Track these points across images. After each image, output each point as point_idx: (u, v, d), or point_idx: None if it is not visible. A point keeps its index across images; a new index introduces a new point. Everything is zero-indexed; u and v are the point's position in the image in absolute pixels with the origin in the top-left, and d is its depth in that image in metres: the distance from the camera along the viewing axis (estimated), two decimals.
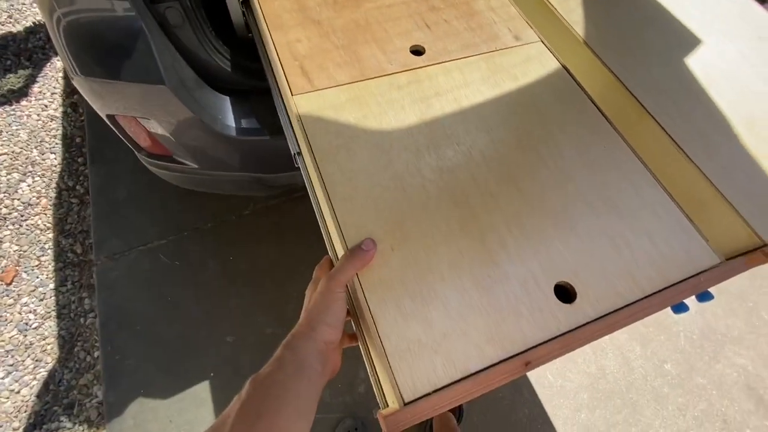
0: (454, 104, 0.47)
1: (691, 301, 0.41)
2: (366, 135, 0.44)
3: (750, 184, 0.45)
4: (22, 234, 1.33)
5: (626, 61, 0.54)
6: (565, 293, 0.37)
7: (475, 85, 0.49)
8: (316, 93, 0.46)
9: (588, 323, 0.35)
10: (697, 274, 0.38)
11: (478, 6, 0.57)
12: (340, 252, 0.37)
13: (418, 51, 0.52)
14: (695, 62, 0.55)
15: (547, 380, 1.18)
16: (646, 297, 0.36)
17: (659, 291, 0.36)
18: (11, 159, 1.45)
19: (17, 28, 1.76)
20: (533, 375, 1.19)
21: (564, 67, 0.52)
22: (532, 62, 0.52)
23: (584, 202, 0.41)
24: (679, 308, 0.42)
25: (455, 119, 0.46)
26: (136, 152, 0.76)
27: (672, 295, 0.37)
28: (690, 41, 0.57)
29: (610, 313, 0.35)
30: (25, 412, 1.07)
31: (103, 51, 0.55)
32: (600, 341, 1.26)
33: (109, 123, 0.66)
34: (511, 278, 0.36)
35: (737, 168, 0.46)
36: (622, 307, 0.36)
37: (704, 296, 0.41)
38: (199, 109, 0.60)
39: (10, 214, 1.35)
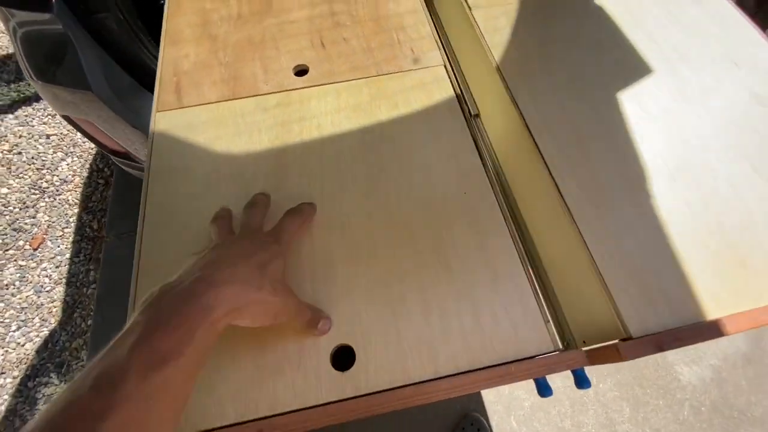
0: (315, 131, 0.44)
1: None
2: (210, 158, 0.43)
3: (640, 264, 0.36)
4: (54, 207, 1.52)
5: (540, 91, 0.46)
6: (343, 358, 0.33)
7: (346, 111, 0.45)
8: (180, 111, 0.46)
9: (355, 397, 0.31)
10: (510, 362, 0.31)
11: (389, 23, 0.53)
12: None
13: (302, 71, 0.49)
14: (630, 96, 0.45)
15: (510, 426, 1.08)
16: (437, 378, 0.31)
17: (453, 375, 0.31)
18: (58, 139, 1.66)
19: None
20: (495, 417, 1.09)
21: (460, 96, 0.46)
22: (423, 89, 0.47)
23: (412, 253, 0.36)
24: (544, 391, 0.36)
25: (311, 147, 0.43)
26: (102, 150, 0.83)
27: (471, 382, 0.31)
28: (635, 69, 0.48)
29: (385, 390, 0.31)
30: (25, 364, 1.22)
31: (42, 58, 0.61)
32: (584, 394, 1.13)
33: (67, 123, 0.73)
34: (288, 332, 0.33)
35: (632, 240, 0.37)
36: (405, 386, 0.31)
37: (544, 389, 0.34)
38: (126, 112, 0.63)
39: (48, 188, 1.55)
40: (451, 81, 0.47)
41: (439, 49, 0.50)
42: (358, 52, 0.50)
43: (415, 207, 0.39)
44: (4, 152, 1.60)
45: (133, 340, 0.24)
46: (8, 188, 1.52)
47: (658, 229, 0.38)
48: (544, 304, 0.34)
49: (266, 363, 0.32)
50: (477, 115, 0.57)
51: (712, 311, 0.34)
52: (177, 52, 0.51)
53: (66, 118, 0.72)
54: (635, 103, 0.45)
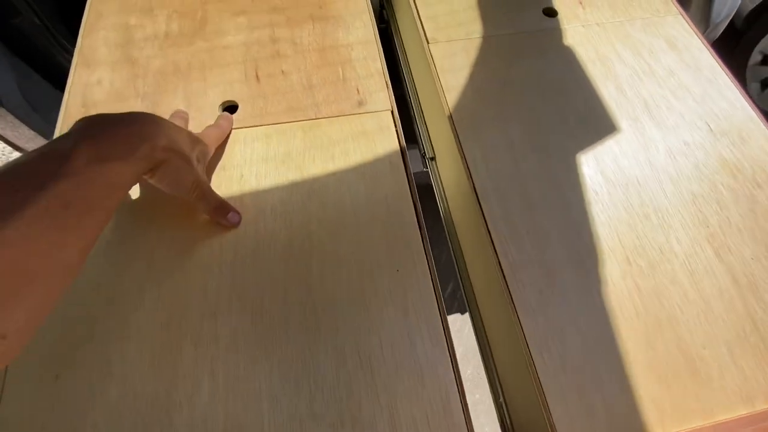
0: (235, 184, 0.39)
1: None
2: (125, 211, 0.37)
3: (582, 365, 0.32)
4: None
5: (493, 145, 0.42)
6: None
7: (275, 162, 0.40)
8: None
9: None
10: None
11: (335, 56, 0.47)
12: None
13: (231, 108, 0.44)
14: (590, 158, 0.41)
15: None
16: None
17: None
18: None
19: None
20: None
21: (404, 150, 0.41)
22: (365, 138, 0.42)
23: (329, 348, 0.32)
24: None
25: (231, 203, 0.38)
26: None
27: None
28: (599, 125, 0.44)
29: None
30: None
31: None
32: None
33: None
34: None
35: (576, 336, 0.33)
36: None
37: None
38: (47, 126, 0.56)
39: None
40: (396, 130, 0.42)
41: (388, 89, 0.45)
42: (296, 89, 0.44)
43: (340, 285, 0.34)
44: None
45: (76, 138, 0.25)
46: None
47: (604, 321, 0.34)
48: (469, 413, 0.30)
49: None
50: (432, 159, 0.52)
51: (653, 426, 0.30)
52: (89, 76, 0.44)
53: None
54: (595, 166, 0.41)
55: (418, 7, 0.52)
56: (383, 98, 0.44)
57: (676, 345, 0.33)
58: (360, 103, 0.44)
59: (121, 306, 0.33)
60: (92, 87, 0.44)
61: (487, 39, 0.50)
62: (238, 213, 0.36)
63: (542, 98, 0.45)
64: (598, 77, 0.47)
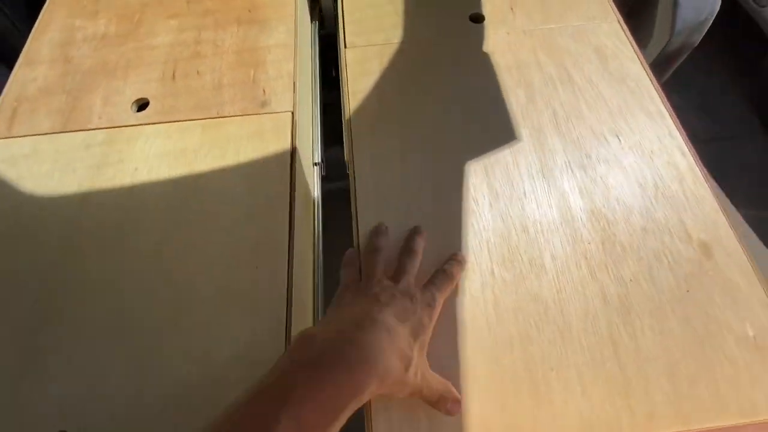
0: (128, 178, 0.41)
1: None
2: (13, 198, 0.40)
3: None
4: None
5: (383, 155, 0.42)
6: None
7: (170, 157, 0.42)
8: (7, 140, 0.44)
9: None
10: None
11: (251, 57, 0.49)
12: None
13: (143, 105, 0.46)
14: (480, 169, 0.40)
15: None
16: None
17: None
18: None
19: None
20: None
21: (294, 150, 0.42)
22: (260, 138, 0.43)
23: (173, 334, 0.33)
24: None
25: (117, 197, 0.40)
26: None
27: None
28: (498, 138, 0.42)
29: None
30: None
31: None
32: None
33: None
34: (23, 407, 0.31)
35: None
36: None
37: None
38: None
39: None
40: (291, 132, 0.43)
41: (294, 91, 0.46)
42: (207, 89, 0.47)
43: (202, 278, 0.36)
44: None
45: (282, 403, 0.23)
46: None
47: (453, 333, 0.33)
48: None
49: None
50: (320, 163, 0.52)
51: None
52: (28, 74, 0.49)
53: None
54: (483, 176, 0.40)
55: (345, 12, 0.53)
56: (287, 99, 0.46)
57: (523, 364, 0.32)
58: (263, 104, 0.45)
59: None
60: (28, 83, 0.48)
61: (404, 44, 0.49)
62: (459, 402, 0.30)
63: (448, 105, 0.45)
64: (510, 85, 0.46)
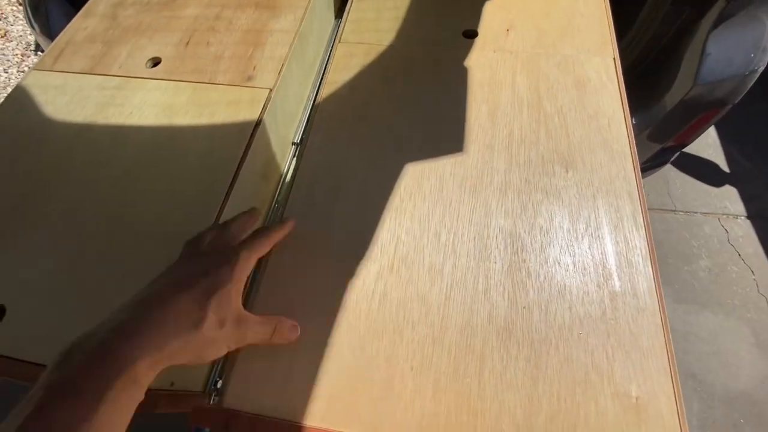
0: (121, 119, 0.48)
1: None
2: (37, 119, 0.49)
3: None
4: None
5: (336, 140, 0.44)
6: None
7: (157, 108, 0.48)
8: (48, 73, 0.53)
9: None
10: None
11: (254, 38, 0.54)
12: None
13: (156, 63, 0.53)
14: (418, 172, 0.41)
15: None
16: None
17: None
18: None
19: None
20: None
21: (258, 123, 0.46)
22: (235, 107, 0.48)
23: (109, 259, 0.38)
24: None
25: (107, 133, 0.47)
26: None
27: None
28: (446, 147, 0.43)
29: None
30: None
31: (32, 8, 0.74)
32: None
33: None
34: None
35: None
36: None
37: None
38: None
39: None
40: (264, 106, 0.47)
41: (279, 73, 0.50)
42: (209, 58, 0.53)
43: (142, 217, 0.41)
44: None
45: (27, 413, 0.21)
46: None
47: (332, 312, 0.35)
48: None
49: None
50: (296, 144, 0.56)
51: (316, 416, 0.31)
52: (82, 23, 0.59)
53: None
54: (419, 178, 0.42)
55: (351, 10, 0.57)
56: (270, 78, 0.50)
57: (385, 356, 0.33)
58: (249, 78, 0.50)
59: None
60: (79, 30, 0.58)
61: (392, 48, 0.52)
62: (294, 325, 0.33)
63: (409, 110, 0.47)
64: (476, 101, 0.46)
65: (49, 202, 0.42)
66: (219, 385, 0.32)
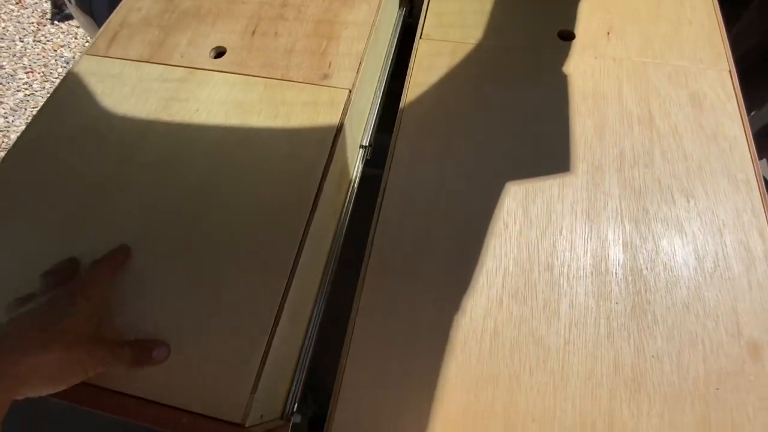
0: (188, 116, 0.44)
1: None
2: (95, 109, 0.45)
3: (384, 382, 0.31)
4: None
5: (425, 155, 0.40)
6: None
7: (228, 106, 0.44)
8: (102, 59, 0.49)
9: None
10: (189, 412, 0.29)
11: (327, 29, 0.49)
12: None
13: (220, 53, 0.49)
14: (520, 192, 0.38)
15: None
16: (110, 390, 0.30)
17: (123, 393, 0.30)
18: None
19: None
20: None
21: (339, 127, 0.42)
22: (312, 108, 0.44)
23: (189, 264, 0.35)
24: None
25: (175, 130, 0.43)
26: None
27: (137, 411, 0.30)
28: (549, 163, 0.39)
29: None
30: None
31: None
32: None
33: None
34: None
35: (404, 348, 0.32)
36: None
37: None
38: None
39: None
40: (344, 109, 0.43)
41: (358, 72, 0.46)
42: (279, 50, 0.48)
43: (221, 222, 0.37)
44: None
45: None
46: None
47: (439, 351, 0.32)
48: (261, 377, 0.31)
49: None
50: (367, 146, 0.52)
51: None
52: (135, 2, 0.54)
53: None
54: (521, 200, 0.38)
55: (430, 3, 0.52)
56: (349, 77, 0.46)
57: (503, 406, 0.30)
58: (325, 76, 0.46)
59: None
60: (133, 11, 0.53)
61: (481, 46, 0.47)
62: (163, 345, 0.32)
63: (505, 119, 0.42)
64: (581, 114, 0.42)
65: (113, 212, 0.39)
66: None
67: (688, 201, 0.37)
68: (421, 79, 0.45)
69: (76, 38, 1.76)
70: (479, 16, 0.50)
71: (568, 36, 0.48)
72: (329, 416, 0.30)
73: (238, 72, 0.47)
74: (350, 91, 0.45)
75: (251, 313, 0.33)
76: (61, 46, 1.74)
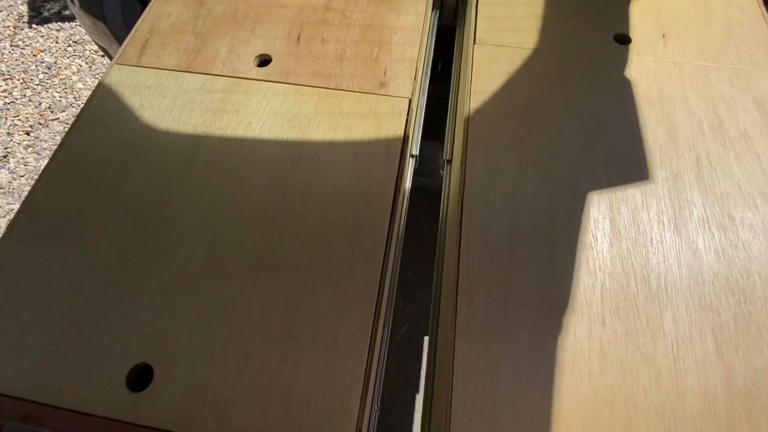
0: (241, 129, 0.41)
1: None
2: (135, 124, 0.41)
3: (502, 412, 0.29)
4: None
5: (499, 160, 0.39)
6: (143, 378, 0.30)
7: (283, 118, 0.41)
8: (135, 68, 0.45)
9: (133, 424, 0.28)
10: None
11: (377, 35, 0.47)
12: None
13: (265, 61, 0.46)
14: (603, 202, 0.37)
15: None
16: None
17: None
18: None
19: None
20: None
21: (406, 138, 0.40)
22: (374, 119, 0.41)
23: (266, 290, 0.33)
24: None
25: (229, 145, 0.40)
26: None
27: None
28: (627, 171, 0.38)
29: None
30: None
31: None
32: None
33: (99, 48, 0.77)
34: (106, 331, 0.32)
35: (510, 378, 0.30)
36: None
37: None
38: None
39: None
40: (406, 119, 0.41)
41: (416, 79, 0.44)
42: (328, 57, 0.46)
43: (295, 244, 0.35)
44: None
45: None
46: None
47: (549, 374, 0.30)
48: (365, 409, 0.29)
49: (82, 352, 0.31)
50: (449, 161, 0.50)
51: None
52: (163, 8, 0.50)
53: (97, 44, 0.76)
54: (606, 211, 0.37)
55: (479, 6, 0.50)
56: (406, 85, 0.44)
57: (623, 428, 0.29)
58: (382, 85, 0.44)
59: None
60: (162, 17, 0.49)
61: (538, 52, 0.46)
62: None
63: (575, 126, 0.41)
64: (651, 119, 0.41)
65: (170, 236, 0.35)
66: None
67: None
68: (481, 86, 0.44)
69: (57, 42, 1.66)
70: (531, 20, 0.49)
71: (624, 40, 0.47)
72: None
73: (288, 81, 0.44)
74: (410, 100, 0.43)
75: (346, 349, 0.31)
76: (41, 51, 1.64)
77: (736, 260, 0.35)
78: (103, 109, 0.43)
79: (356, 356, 0.31)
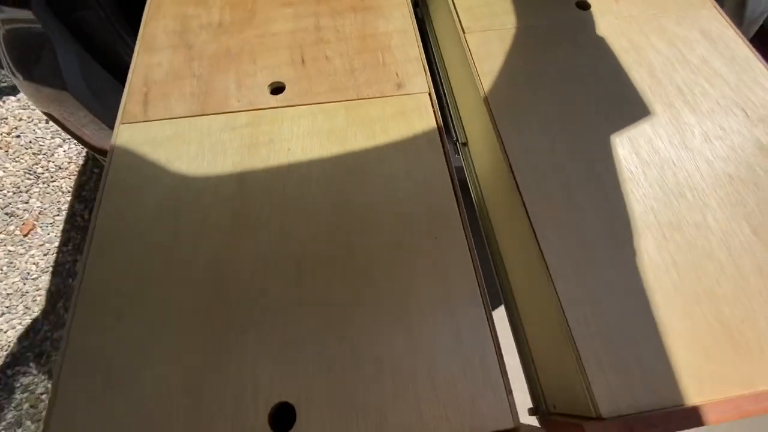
0: (283, 156, 0.41)
1: None
2: (168, 178, 0.40)
3: (619, 333, 0.33)
4: (47, 193, 1.50)
5: (528, 126, 0.43)
6: (283, 417, 0.30)
7: (320, 137, 0.42)
8: (144, 124, 0.43)
9: None
10: None
11: (375, 42, 0.50)
12: None
13: (278, 89, 0.46)
14: (624, 139, 0.42)
15: None
16: None
17: None
18: (56, 126, 1.65)
19: None
20: None
21: (441, 128, 0.43)
22: (404, 117, 0.44)
23: (370, 302, 0.34)
24: None
25: (276, 174, 0.40)
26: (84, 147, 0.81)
27: None
28: (633, 109, 0.44)
29: None
30: (5, 351, 1.21)
31: (20, 54, 0.59)
32: None
33: (49, 119, 0.71)
34: (228, 384, 0.31)
35: (612, 305, 0.34)
36: None
37: None
38: (105, 112, 0.61)
39: (43, 173, 1.54)
40: (434, 111, 0.44)
41: (426, 74, 0.47)
42: (339, 72, 0.47)
43: (379, 249, 0.36)
44: (3, 135, 1.60)
45: None
46: (3, 171, 1.51)
47: (641, 293, 0.34)
48: (506, 372, 0.31)
49: (198, 417, 0.30)
50: (465, 144, 0.54)
51: (692, 394, 0.31)
52: (150, 59, 0.48)
53: (48, 115, 0.70)
54: (630, 147, 0.42)
55: (455, 0, 0.55)
56: (421, 82, 0.47)
57: (714, 317, 0.34)
58: (399, 86, 0.46)
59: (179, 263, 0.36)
60: (153, 68, 0.48)
61: (520, 30, 0.51)
62: None
63: (575, 84, 0.47)
64: (632, 65, 0.48)
65: (243, 285, 0.35)
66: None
67: (746, 113, 0.45)
68: (486, 68, 0.48)
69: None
70: (502, 3, 0.54)
71: (584, 5, 0.54)
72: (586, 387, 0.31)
73: (310, 102, 0.45)
74: (429, 93, 0.46)
75: (467, 322, 0.33)
76: None
77: (739, 160, 0.42)
78: (126, 172, 0.40)
79: (478, 329, 0.33)
